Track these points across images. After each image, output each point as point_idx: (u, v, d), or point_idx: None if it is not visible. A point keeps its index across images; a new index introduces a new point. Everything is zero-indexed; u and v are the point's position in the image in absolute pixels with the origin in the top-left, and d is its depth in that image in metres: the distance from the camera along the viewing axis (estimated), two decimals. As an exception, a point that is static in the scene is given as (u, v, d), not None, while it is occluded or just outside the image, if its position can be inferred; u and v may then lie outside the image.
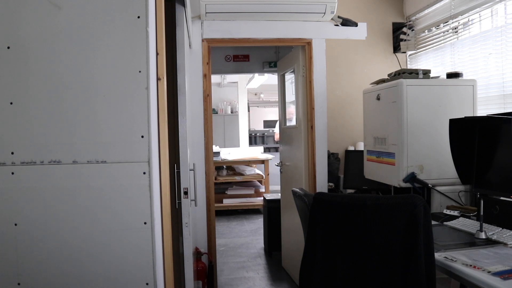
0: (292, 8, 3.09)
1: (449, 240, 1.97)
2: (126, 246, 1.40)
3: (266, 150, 8.98)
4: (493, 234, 1.95)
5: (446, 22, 3.46)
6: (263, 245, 4.90)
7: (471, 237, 1.98)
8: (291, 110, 3.85)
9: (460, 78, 2.76)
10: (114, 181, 1.39)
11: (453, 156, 2.34)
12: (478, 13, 3.08)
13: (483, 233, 1.95)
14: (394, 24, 4.12)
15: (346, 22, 3.32)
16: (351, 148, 4.04)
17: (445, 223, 2.24)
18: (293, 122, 3.81)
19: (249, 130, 9.81)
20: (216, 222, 3.44)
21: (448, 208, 2.52)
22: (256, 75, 6.83)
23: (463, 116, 2.39)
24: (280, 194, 4.33)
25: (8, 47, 1.36)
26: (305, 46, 3.40)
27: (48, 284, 1.39)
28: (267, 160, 6.76)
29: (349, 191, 3.68)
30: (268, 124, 10.87)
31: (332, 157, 3.79)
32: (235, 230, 5.75)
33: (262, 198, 5.22)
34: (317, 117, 3.39)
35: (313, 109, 3.39)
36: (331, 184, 3.66)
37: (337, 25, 3.33)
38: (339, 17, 3.27)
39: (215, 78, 8.42)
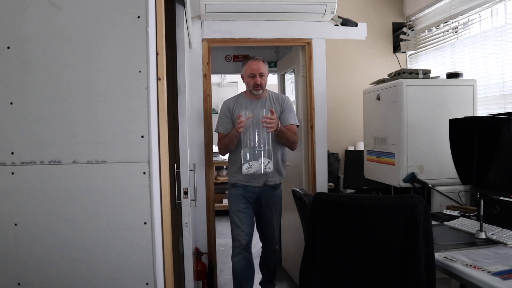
0: (292, 8, 3.09)
1: (449, 240, 1.97)
2: (126, 246, 1.40)
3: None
4: (493, 234, 1.95)
5: (446, 22, 3.46)
6: (263, 245, 4.88)
7: (471, 237, 1.98)
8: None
9: (460, 78, 2.76)
10: (114, 181, 1.39)
11: (453, 156, 2.34)
12: (478, 13, 3.08)
13: (483, 233, 1.95)
14: (394, 24, 4.12)
15: (346, 22, 3.32)
16: (351, 148, 4.04)
17: (445, 223, 2.24)
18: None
19: (249, 130, 9.78)
20: (216, 222, 3.44)
21: (448, 208, 2.52)
22: (256, 75, 6.80)
23: (463, 116, 2.39)
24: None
25: (8, 47, 1.36)
26: (305, 46, 3.40)
27: (48, 284, 1.39)
28: (267, 160, 6.74)
29: (349, 191, 3.68)
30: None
31: (332, 157, 3.79)
32: (235, 230, 5.73)
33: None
34: (317, 117, 3.39)
35: (313, 109, 3.39)
36: (331, 184, 3.66)
37: (337, 25, 3.33)
38: (339, 17, 3.27)
39: (215, 78, 8.41)
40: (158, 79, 1.50)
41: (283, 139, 2.82)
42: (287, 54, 3.96)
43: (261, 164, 2.64)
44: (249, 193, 2.90)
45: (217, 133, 2.97)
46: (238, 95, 3.06)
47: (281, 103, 2.95)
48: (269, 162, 2.67)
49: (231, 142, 2.81)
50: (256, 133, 2.67)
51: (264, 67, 2.91)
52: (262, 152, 2.66)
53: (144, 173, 1.39)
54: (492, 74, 2.93)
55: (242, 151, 2.70)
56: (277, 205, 3.01)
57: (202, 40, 3.24)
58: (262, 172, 2.65)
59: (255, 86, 2.87)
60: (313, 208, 1.78)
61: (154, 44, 1.46)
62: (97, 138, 1.38)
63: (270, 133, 2.67)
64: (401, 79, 2.67)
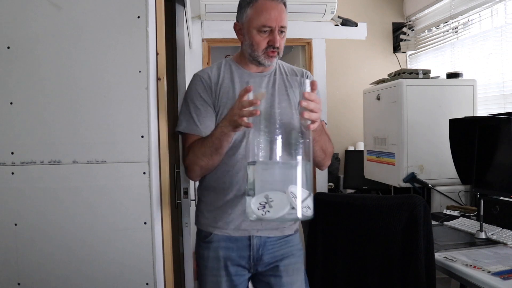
0: (292, 8, 3.08)
1: (449, 240, 1.97)
2: (126, 246, 1.39)
3: (266, 150, 8.95)
4: (493, 234, 1.95)
5: (446, 22, 3.46)
6: (263, 245, 4.88)
7: (471, 237, 1.98)
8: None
9: (460, 78, 2.77)
10: (114, 181, 1.39)
11: (453, 156, 2.34)
12: (478, 13, 3.08)
13: (483, 233, 1.95)
14: (394, 24, 4.12)
15: (346, 22, 3.32)
16: (351, 148, 4.04)
17: (445, 223, 2.24)
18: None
19: (249, 130, 9.74)
20: (216, 222, 3.43)
21: (448, 208, 2.52)
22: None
23: (463, 116, 2.40)
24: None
25: (8, 47, 1.36)
26: (305, 46, 3.41)
27: (48, 284, 1.38)
28: (267, 160, 6.72)
29: (349, 191, 3.68)
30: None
31: (332, 157, 3.78)
32: (235, 230, 5.72)
33: (262, 198, 5.20)
34: (317, 117, 3.39)
35: (313, 109, 3.38)
36: (331, 184, 3.66)
37: (337, 25, 3.34)
38: (339, 17, 3.28)
39: (215, 78, 8.41)
40: (158, 79, 1.50)
41: (317, 146, 1.48)
42: (287, 54, 3.96)
43: (293, 198, 1.05)
44: (240, 251, 1.50)
45: (180, 136, 1.60)
46: (223, 62, 1.59)
47: (301, 82, 1.42)
48: (309, 195, 1.10)
49: (216, 152, 1.42)
50: (279, 131, 1.16)
51: (286, 17, 1.48)
52: (295, 172, 1.09)
53: (144, 173, 1.39)
54: (492, 74, 2.93)
55: (248, 169, 1.14)
56: (299, 264, 1.54)
57: (202, 40, 3.25)
58: (300, 216, 1.06)
59: (267, 51, 1.49)
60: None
61: (154, 44, 1.46)
62: (97, 138, 1.38)
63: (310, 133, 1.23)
64: (401, 79, 2.68)
